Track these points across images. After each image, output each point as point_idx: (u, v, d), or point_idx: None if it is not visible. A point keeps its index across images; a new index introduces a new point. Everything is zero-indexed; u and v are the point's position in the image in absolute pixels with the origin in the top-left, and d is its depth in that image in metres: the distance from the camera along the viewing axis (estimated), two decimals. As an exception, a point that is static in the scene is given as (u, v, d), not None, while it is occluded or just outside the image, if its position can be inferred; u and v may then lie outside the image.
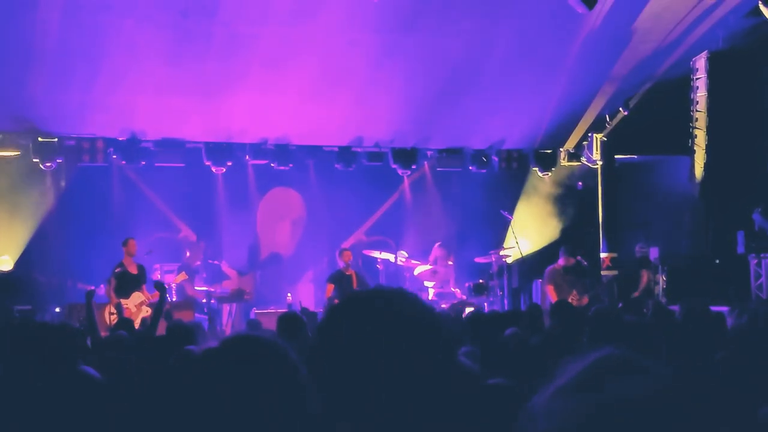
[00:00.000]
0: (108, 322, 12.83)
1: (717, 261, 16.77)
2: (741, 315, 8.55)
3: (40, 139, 15.59)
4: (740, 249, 16.10)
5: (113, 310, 13.32)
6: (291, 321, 7.84)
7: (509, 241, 16.89)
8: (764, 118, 15.90)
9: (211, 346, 1.84)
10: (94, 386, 4.57)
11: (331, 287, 14.95)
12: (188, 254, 16.24)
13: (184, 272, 15.08)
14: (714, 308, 10.40)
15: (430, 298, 15.82)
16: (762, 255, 15.78)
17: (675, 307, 10.16)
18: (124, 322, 10.14)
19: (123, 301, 13.43)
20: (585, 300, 14.58)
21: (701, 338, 6.58)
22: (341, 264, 15.15)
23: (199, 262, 16.16)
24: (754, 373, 4.49)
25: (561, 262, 15.05)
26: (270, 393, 1.72)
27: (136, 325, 12.49)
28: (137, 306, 13.49)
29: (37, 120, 15.25)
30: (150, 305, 13.70)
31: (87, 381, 4.59)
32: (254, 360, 1.77)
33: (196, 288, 15.62)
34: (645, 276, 15.67)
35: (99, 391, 4.53)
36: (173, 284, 14.90)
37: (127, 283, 13.66)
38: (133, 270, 13.86)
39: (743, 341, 5.87)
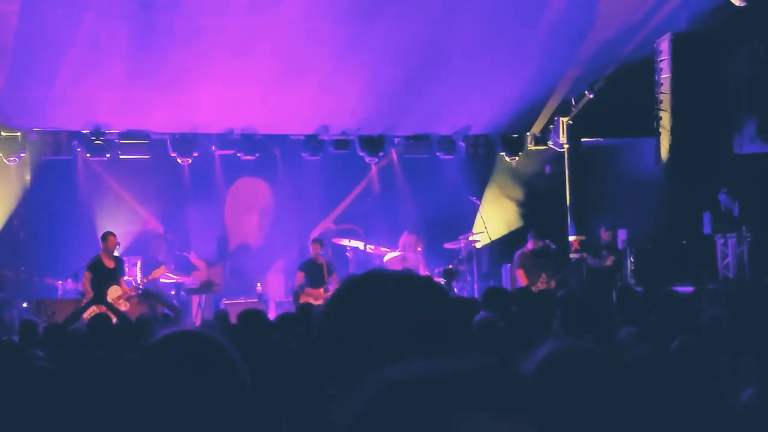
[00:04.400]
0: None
1: (684, 242, 16.88)
2: (704, 294, 8.64)
3: (3, 133, 15.45)
4: (707, 230, 16.22)
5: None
6: (253, 316, 7.82)
7: (478, 226, 16.91)
8: (728, 98, 15.99)
9: (151, 342, 1.85)
10: (43, 373, 4.55)
11: (301, 275, 14.97)
12: (150, 247, 16.19)
13: (163, 266, 14.97)
14: (681, 289, 10.52)
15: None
16: (728, 235, 15.90)
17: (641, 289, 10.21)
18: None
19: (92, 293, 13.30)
20: (553, 283, 14.63)
21: (666, 319, 6.64)
22: (312, 253, 15.15)
23: (161, 255, 16.09)
24: (715, 355, 4.53)
25: (530, 245, 15.11)
26: (208, 387, 1.72)
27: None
28: (115, 300, 13.37)
29: (0, 115, 15.11)
30: (128, 299, 13.63)
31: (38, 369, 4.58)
32: (192, 355, 1.77)
33: (165, 278, 15.56)
34: (609, 260, 15.73)
35: (48, 379, 4.52)
36: (147, 279, 14.82)
37: (103, 277, 13.53)
38: (110, 264, 13.72)
39: (707, 324, 5.93)
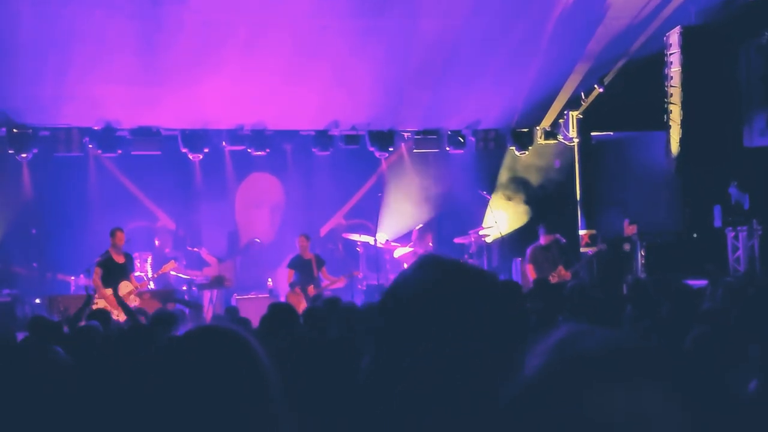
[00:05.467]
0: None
1: (694, 235, 16.88)
2: (716, 288, 8.63)
3: (14, 130, 15.51)
4: (717, 223, 16.21)
5: (97, 300, 13.26)
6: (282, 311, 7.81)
7: (488, 220, 16.92)
8: (738, 92, 15.96)
9: (175, 337, 1.86)
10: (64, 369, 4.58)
11: (291, 272, 15.07)
12: (157, 242, 16.26)
13: (173, 261, 15.04)
14: (693, 282, 10.52)
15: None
16: (738, 228, 15.89)
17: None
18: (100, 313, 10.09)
19: (111, 290, 13.34)
20: (568, 276, 14.64)
21: (676, 313, 6.64)
22: (299, 248, 15.21)
23: (168, 249, 16.16)
24: (725, 348, 4.53)
25: (542, 240, 15.12)
26: (232, 383, 1.74)
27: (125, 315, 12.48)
28: (125, 295, 13.42)
29: (11, 111, 15.19)
30: (139, 294, 13.69)
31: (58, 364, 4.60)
32: (216, 350, 1.79)
33: (173, 274, 15.63)
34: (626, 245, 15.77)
35: (68, 375, 4.54)
36: (158, 274, 14.89)
37: (114, 273, 13.58)
38: (120, 259, 13.77)
39: (717, 316, 5.93)
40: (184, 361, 1.78)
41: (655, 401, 1.11)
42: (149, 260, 15.76)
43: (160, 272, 14.77)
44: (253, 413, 1.75)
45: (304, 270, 15.01)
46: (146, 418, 1.78)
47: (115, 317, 11.82)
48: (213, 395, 1.73)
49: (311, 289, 14.69)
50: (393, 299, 1.75)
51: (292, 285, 14.93)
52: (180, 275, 15.72)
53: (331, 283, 15.23)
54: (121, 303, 11.51)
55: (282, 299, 15.91)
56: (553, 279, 14.34)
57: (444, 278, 1.73)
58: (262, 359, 1.82)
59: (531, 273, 14.74)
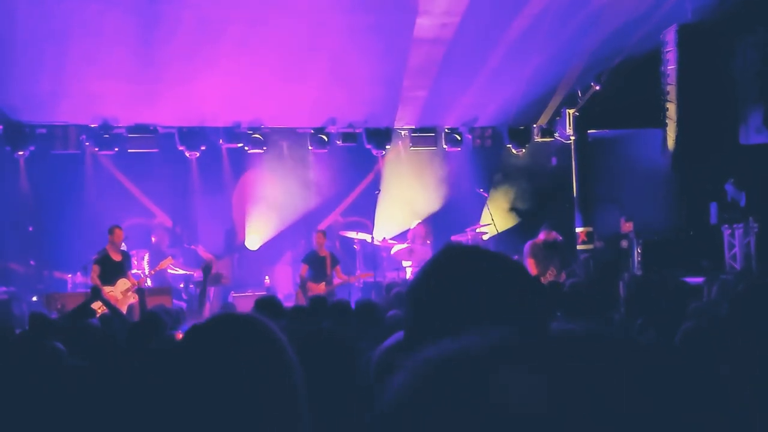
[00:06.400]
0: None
1: (691, 232, 16.90)
2: (712, 285, 8.66)
3: (11, 128, 15.49)
4: (713, 220, 16.23)
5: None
6: (269, 305, 7.85)
7: (485, 218, 16.94)
8: (734, 89, 16.01)
9: (197, 324, 1.85)
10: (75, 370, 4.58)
11: (305, 267, 14.97)
12: (154, 239, 16.25)
13: (170, 257, 15.04)
14: (689, 279, 10.55)
15: (407, 277, 15.87)
16: (735, 225, 15.92)
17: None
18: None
19: (108, 288, 13.35)
20: (563, 276, 14.68)
21: (672, 310, 6.66)
22: (315, 245, 15.16)
23: (165, 247, 16.16)
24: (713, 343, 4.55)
25: (541, 236, 15.14)
26: (257, 370, 1.73)
27: (123, 312, 12.48)
28: (123, 293, 13.41)
29: (8, 109, 15.18)
30: (136, 291, 13.67)
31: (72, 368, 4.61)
32: (241, 338, 1.78)
33: (172, 270, 15.62)
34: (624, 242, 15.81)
35: (80, 375, 4.55)
36: (154, 271, 14.89)
37: (111, 270, 13.57)
38: (117, 257, 13.73)
39: (707, 312, 5.95)
40: (209, 350, 1.76)
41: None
42: (146, 257, 15.76)
43: (156, 269, 14.77)
44: (279, 403, 1.74)
45: (317, 266, 14.92)
46: (170, 409, 1.76)
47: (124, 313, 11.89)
48: (238, 384, 1.72)
49: (323, 286, 14.64)
50: (422, 290, 1.74)
51: (303, 280, 14.82)
52: (177, 270, 15.71)
53: (343, 282, 15.18)
54: (105, 301, 11.49)
55: (279, 296, 15.92)
56: (548, 277, 14.40)
57: (474, 265, 1.73)
58: (287, 347, 1.81)
59: (532, 268, 14.75)
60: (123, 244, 14.21)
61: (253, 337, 1.79)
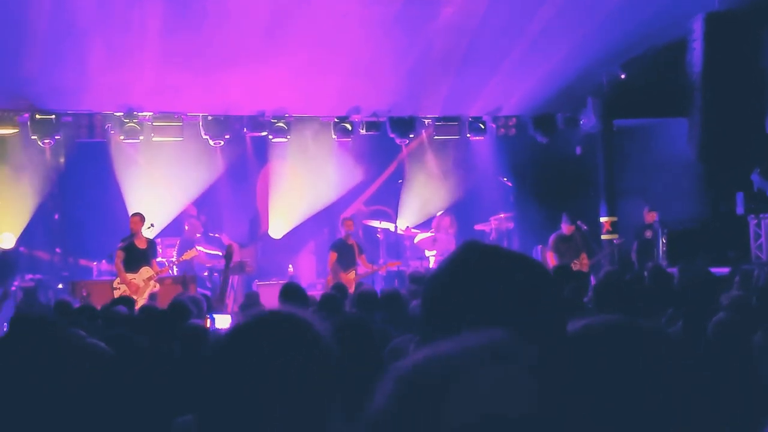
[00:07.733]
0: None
1: (717, 223, 16.80)
2: (734, 275, 8.61)
3: (37, 116, 15.57)
4: (740, 210, 16.13)
5: (117, 285, 13.36)
6: (294, 292, 7.88)
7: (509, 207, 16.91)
8: (762, 78, 15.85)
9: (241, 323, 1.85)
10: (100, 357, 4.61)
11: (334, 255, 14.91)
12: (187, 228, 16.30)
13: (195, 249, 15.11)
14: (715, 270, 10.48)
15: (431, 266, 15.86)
16: (761, 215, 15.82)
17: (674, 270, 10.16)
18: (124, 299, 10.16)
19: (131, 275, 13.42)
20: (587, 265, 14.65)
21: (699, 300, 6.62)
22: (343, 233, 15.12)
23: (198, 236, 16.23)
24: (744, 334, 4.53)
25: (564, 228, 15.11)
26: (301, 369, 1.73)
27: (144, 300, 12.56)
28: (145, 281, 13.48)
29: (34, 97, 15.25)
30: (159, 280, 13.73)
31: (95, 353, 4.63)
32: (286, 337, 1.78)
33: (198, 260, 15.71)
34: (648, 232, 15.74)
35: (106, 363, 4.57)
36: (179, 261, 14.96)
37: (135, 258, 13.62)
38: (142, 245, 13.75)
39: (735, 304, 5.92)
40: (254, 347, 1.77)
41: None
42: (177, 246, 15.86)
43: (181, 259, 14.82)
44: (318, 397, 1.75)
45: (347, 254, 14.90)
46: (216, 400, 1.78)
47: (145, 301, 11.97)
48: (281, 380, 1.72)
49: (352, 275, 14.62)
50: (437, 287, 1.73)
51: (335, 267, 14.77)
52: (205, 256, 15.80)
53: (371, 272, 15.17)
54: None
55: (303, 285, 15.94)
56: (575, 266, 14.34)
57: (491, 264, 1.72)
58: (328, 345, 1.81)
59: (552, 261, 14.72)
60: (149, 231, 14.30)
61: (300, 339, 1.80)
